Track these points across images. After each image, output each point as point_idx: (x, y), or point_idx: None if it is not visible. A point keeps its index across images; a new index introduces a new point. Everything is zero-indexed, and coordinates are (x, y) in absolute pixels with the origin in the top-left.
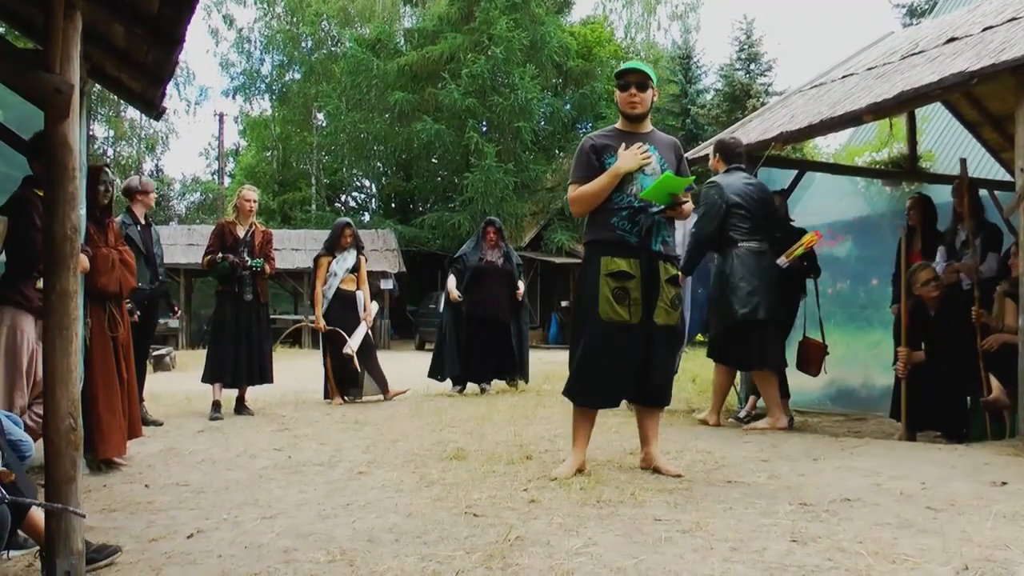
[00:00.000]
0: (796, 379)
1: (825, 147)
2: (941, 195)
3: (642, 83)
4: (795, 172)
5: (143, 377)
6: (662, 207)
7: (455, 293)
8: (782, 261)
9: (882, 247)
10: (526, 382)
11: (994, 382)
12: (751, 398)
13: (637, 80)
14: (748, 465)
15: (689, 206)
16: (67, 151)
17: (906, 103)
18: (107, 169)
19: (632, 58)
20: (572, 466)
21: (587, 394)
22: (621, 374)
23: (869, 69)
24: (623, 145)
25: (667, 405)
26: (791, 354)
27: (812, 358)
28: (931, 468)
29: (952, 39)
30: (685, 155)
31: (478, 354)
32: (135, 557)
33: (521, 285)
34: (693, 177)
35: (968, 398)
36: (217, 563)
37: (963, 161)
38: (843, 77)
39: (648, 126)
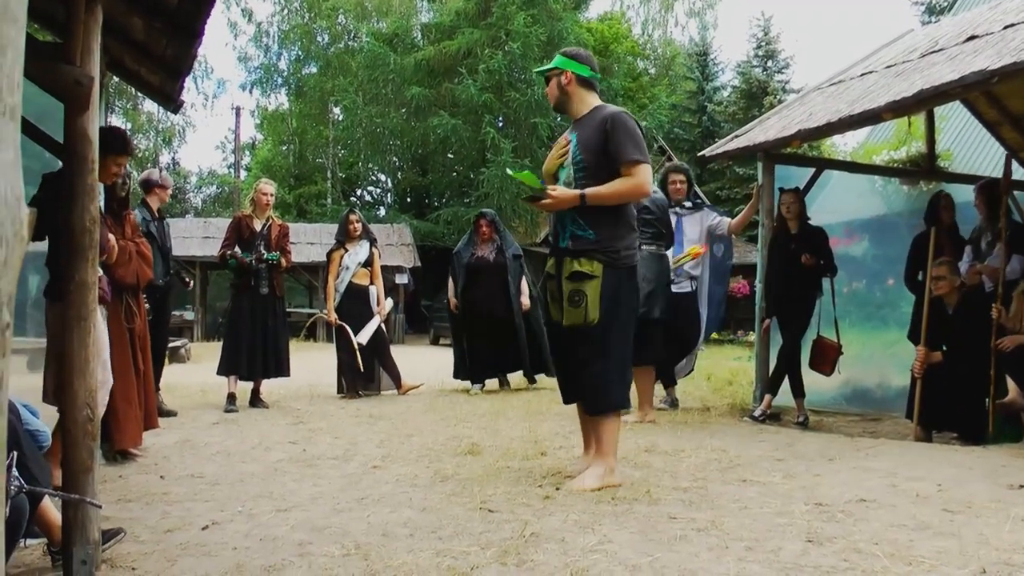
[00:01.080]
0: (811, 378)
1: (842, 145)
2: (959, 195)
3: (547, 77)
4: (812, 170)
5: (160, 369)
6: (531, 196)
7: (453, 301)
8: (672, 264)
9: (899, 246)
10: (548, 374)
11: (1010, 384)
12: (766, 396)
13: (546, 77)
14: (763, 464)
15: (560, 197)
16: (86, 143)
17: (925, 101)
18: None
19: (648, 54)
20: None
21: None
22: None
23: (888, 67)
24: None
25: (598, 412)
26: (805, 353)
27: (826, 357)
28: (948, 469)
29: (972, 37)
30: (703, 153)
31: (479, 352)
32: (150, 548)
33: (524, 282)
34: (527, 172)
35: (986, 399)
36: (232, 555)
37: (1008, 158)
38: (862, 75)
39: (584, 108)
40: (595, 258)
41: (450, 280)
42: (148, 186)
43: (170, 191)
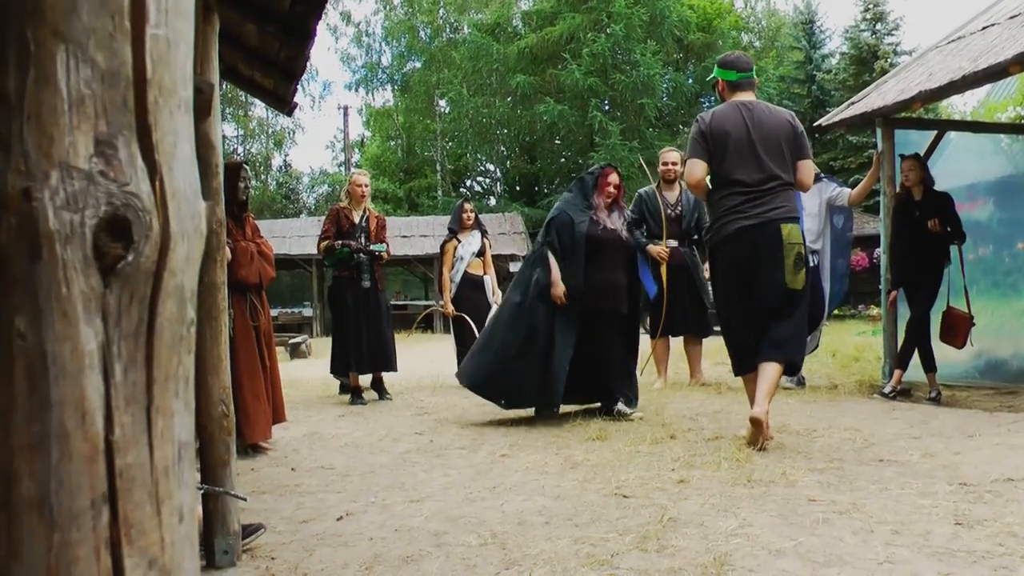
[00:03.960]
0: (941, 351)
1: (961, 105)
2: None
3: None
4: (933, 133)
5: None
6: None
7: (559, 288)
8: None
9: None
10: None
11: None
12: (896, 372)
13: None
14: (899, 443)
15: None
16: (210, 149)
17: None
18: (245, 166)
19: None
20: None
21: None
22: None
23: (1012, 18)
24: None
25: (787, 366)
26: (934, 325)
27: (957, 329)
28: None
29: None
30: (819, 123)
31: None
32: (287, 538)
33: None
34: None
35: None
36: (369, 545)
37: None
38: (983, 28)
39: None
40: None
41: (552, 263)
42: None
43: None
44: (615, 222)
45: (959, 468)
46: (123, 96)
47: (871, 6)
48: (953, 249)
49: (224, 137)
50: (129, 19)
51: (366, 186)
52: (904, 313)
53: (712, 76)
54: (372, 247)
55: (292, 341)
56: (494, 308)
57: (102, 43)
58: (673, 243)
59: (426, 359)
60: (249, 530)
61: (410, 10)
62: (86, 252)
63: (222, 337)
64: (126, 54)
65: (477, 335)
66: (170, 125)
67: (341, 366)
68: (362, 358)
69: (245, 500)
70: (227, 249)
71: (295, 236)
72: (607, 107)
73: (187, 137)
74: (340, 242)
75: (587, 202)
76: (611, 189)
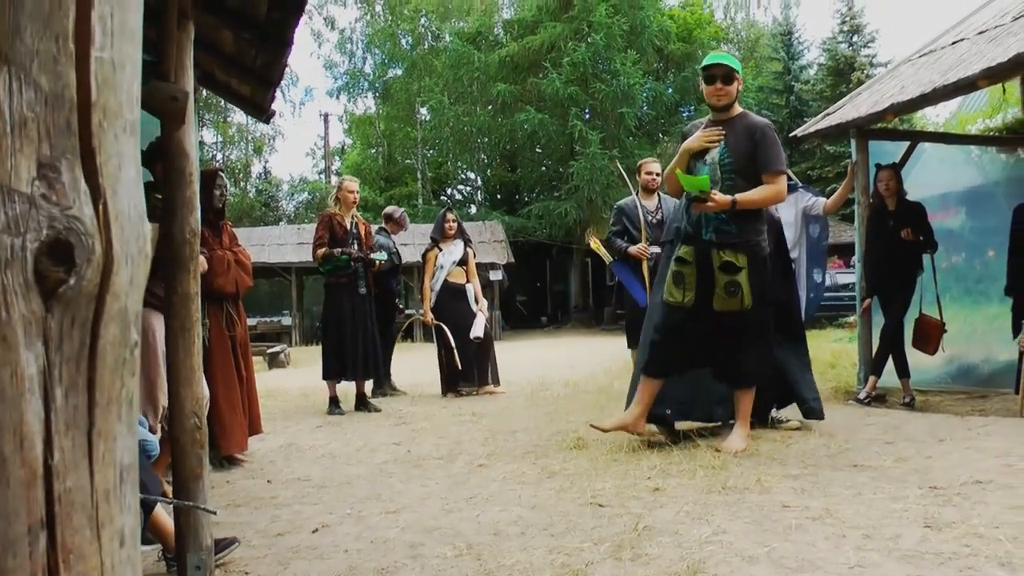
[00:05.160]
0: (914, 357)
1: (934, 117)
2: None
3: (727, 75)
4: (905, 145)
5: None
6: (696, 196)
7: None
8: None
9: (998, 217)
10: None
11: None
12: (871, 378)
13: (723, 73)
14: (873, 448)
15: (720, 200)
16: (184, 157)
17: (1022, 65)
18: (221, 173)
19: (732, 38)
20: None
21: (650, 365)
22: (680, 350)
23: (980, 33)
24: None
25: (748, 386)
26: (908, 332)
27: (930, 336)
28: None
29: None
30: (795, 133)
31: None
32: (262, 552)
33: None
34: (703, 178)
35: None
36: (344, 557)
37: None
38: (953, 43)
39: (735, 111)
40: (739, 250)
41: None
42: (388, 219)
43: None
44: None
45: (930, 472)
46: (67, 119)
47: (848, 19)
48: (926, 257)
49: (203, 143)
50: (74, 42)
51: (357, 192)
52: (879, 320)
53: (735, 67)
54: (372, 255)
55: (271, 351)
56: (479, 316)
57: (46, 66)
58: (656, 249)
59: (407, 368)
60: (223, 544)
61: (392, 18)
62: (27, 276)
63: (195, 348)
64: (70, 77)
65: (453, 343)
66: (115, 148)
67: (335, 372)
68: (357, 364)
69: (215, 513)
70: (202, 258)
71: (274, 244)
72: (587, 116)
73: (132, 160)
74: (339, 249)
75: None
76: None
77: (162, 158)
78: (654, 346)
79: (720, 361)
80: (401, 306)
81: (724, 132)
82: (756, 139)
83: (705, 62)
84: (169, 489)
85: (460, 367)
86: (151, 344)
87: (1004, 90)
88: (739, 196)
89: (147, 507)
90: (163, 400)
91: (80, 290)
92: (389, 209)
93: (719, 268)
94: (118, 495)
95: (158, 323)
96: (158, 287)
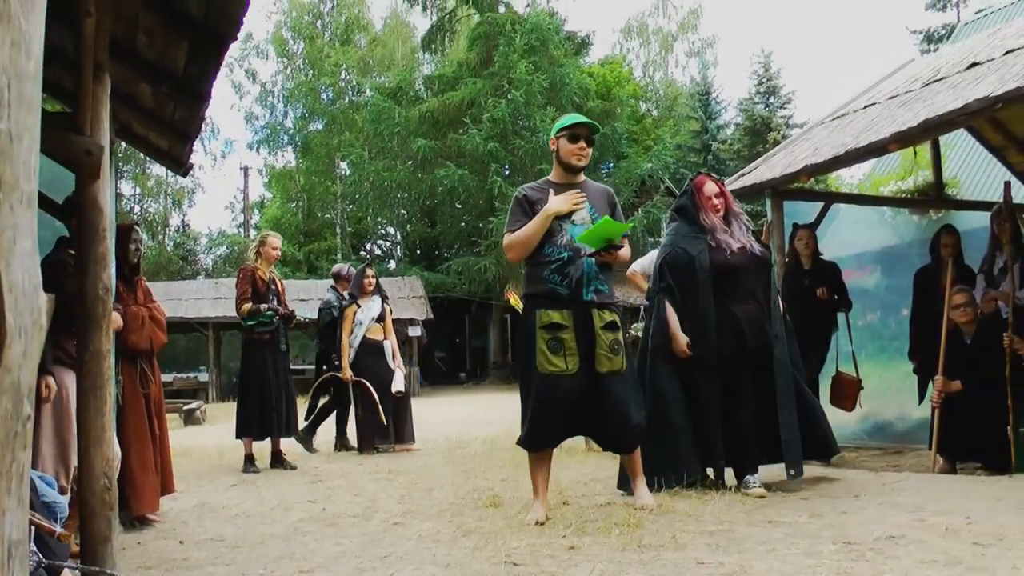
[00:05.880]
0: (831, 414)
1: (849, 178)
2: (967, 222)
3: (590, 137)
4: (821, 204)
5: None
6: (596, 251)
7: (681, 342)
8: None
9: (911, 276)
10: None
11: None
12: None
13: (586, 134)
14: (789, 504)
15: (625, 252)
16: (98, 212)
17: (930, 130)
18: (137, 227)
19: (650, 96)
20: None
21: (529, 440)
22: (566, 420)
23: (891, 98)
24: (551, 194)
25: (638, 445)
26: (824, 389)
27: (846, 393)
28: (976, 501)
29: (974, 64)
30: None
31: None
32: None
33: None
34: (630, 224)
35: (1008, 427)
36: None
37: (1007, 185)
38: (865, 107)
39: (581, 177)
40: (613, 310)
41: (669, 311)
42: (338, 278)
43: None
44: (741, 237)
45: (844, 527)
46: None
47: (764, 80)
48: (841, 316)
49: (121, 195)
50: None
51: (280, 249)
52: None
53: (599, 129)
54: (299, 314)
55: (187, 407)
56: (396, 373)
57: None
58: None
59: (323, 424)
60: None
61: (313, 71)
62: None
63: (106, 408)
64: None
65: (377, 400)
66: (10, 220)
67: (255, 430)
68: (280, 422)
69: None
70: (116, 315)
71: (192, 298)
72: (507, 172)
73: (28, 231)
74: (265, 305)
75: (697, 226)
76: (715, 201)
77: (76, 213)
78: (537, 421)
79: (601, 426)
80: (337, 362)
81: (584, 193)
82: (611, 203)
83: (570, 121)
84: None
85: (384, 422)
86: (64, 403)
87: (916, 153)
88: (622, 251)
89: (53, 573)
90: (75, 460)
91: None
92: (337, 267)
93: (603, 328)
94: (7, 572)
95: (71, 381)
96: (70, 345)
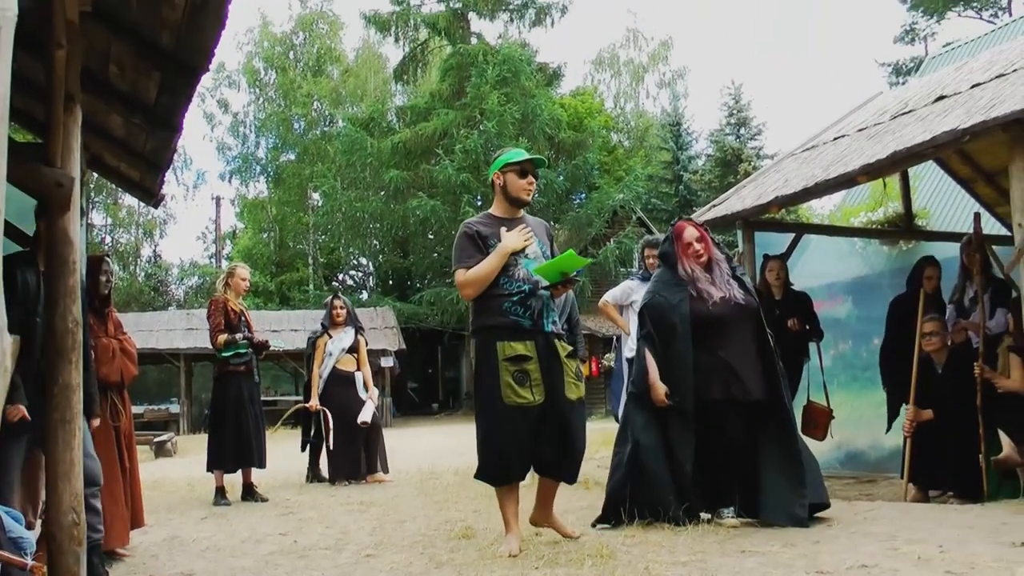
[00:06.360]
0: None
1: (819, 208)
2: (937, 253)
3: (536, 172)
4: (792, 235)
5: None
6: (551, 284)
7: (659, 391)
8: None
9: (882, 306)
10: None
11: (1004, 440)
12: None
13: (534, 169)
14: (761, 534)
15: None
16: (68, 245)
17: (899, 163)
18: (107, 259)
19: (622, 127)
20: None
21: (499, 474)
22: (528, 451)
23: (860, 130)
24: (503, 229)
25: (575, 479)
26: (796, 419)
27: (818, 422)
28: (948, 530)
29: (941, 97)
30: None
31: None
32: None
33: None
34: (590, 260)
35: (979, 456)
36: None
37: (977, 216)
38: (835, 139)
39: (521, 212)
40: (566, 340)
41: (647, 356)
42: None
43: None
44: (724, 287)
45: (817, 556)
46: None
47: (735, 112)
48: (812, 345)
49: (92, 226)
50: None
51: (248, 280)
52: None
53: (544, 163)
54: (272, 344)
55: (158, 439)
56: (368, 403)
57: None
58: None
59: (293, 455)
60: None
61: (285, 102)
62: None
63: (75, 441)
64: None
65: (331, 425)
66: None
67: (226, 463)
68: (254, 453)
69: None
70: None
71: (163, 330)
72: (479, 203)
73: None
74: (241, 335)
75: (677, 276)
76: (696, 246)
77: (45, 246)
78: (503, 454)
79: (555, 452)
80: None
81: (530, 228)
82: (550, 235)
83: (518, 157)
84: None
85: (330, 449)
86: None
87: (885, 184)
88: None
89: None
90: (43, 495)
91: None
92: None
93: (567, 357)
94: None
95: None
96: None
